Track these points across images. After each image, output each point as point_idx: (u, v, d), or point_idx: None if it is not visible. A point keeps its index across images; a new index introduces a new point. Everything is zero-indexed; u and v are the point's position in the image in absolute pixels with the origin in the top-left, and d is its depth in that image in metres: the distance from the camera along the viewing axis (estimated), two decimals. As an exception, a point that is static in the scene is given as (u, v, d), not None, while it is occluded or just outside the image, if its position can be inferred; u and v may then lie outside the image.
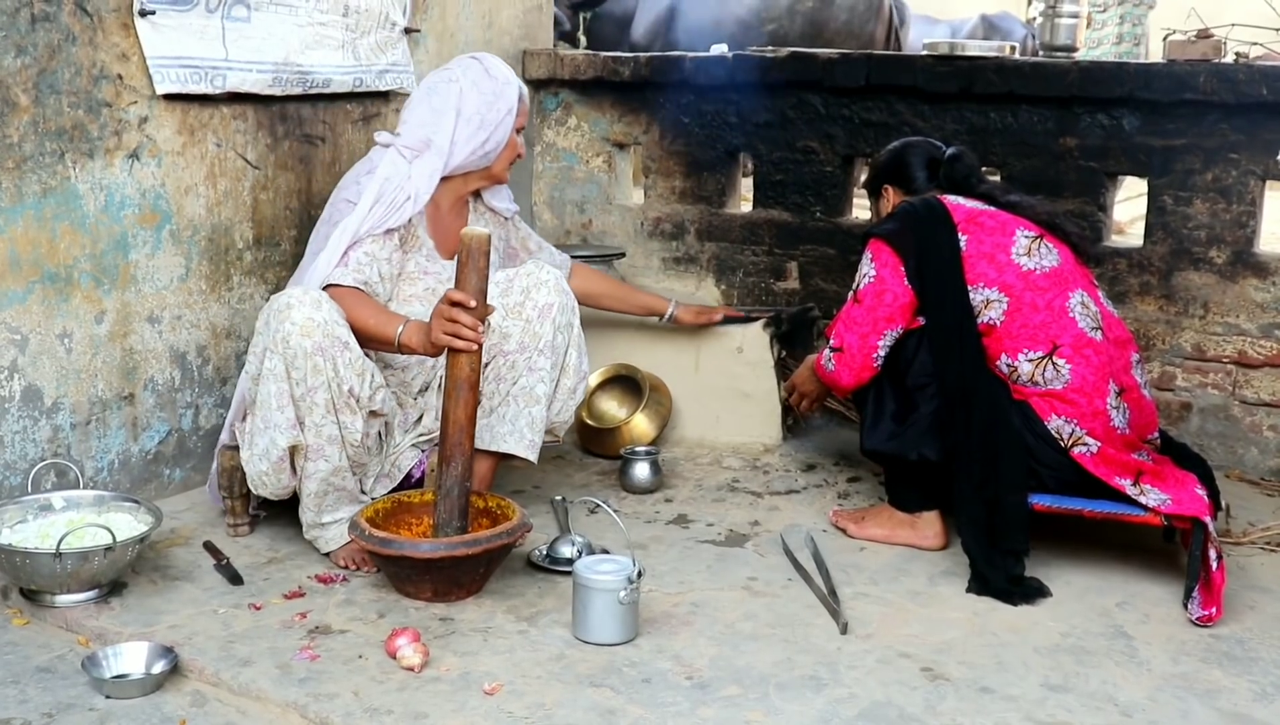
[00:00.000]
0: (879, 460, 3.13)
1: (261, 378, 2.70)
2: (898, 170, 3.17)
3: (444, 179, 3.03)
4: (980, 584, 2.77)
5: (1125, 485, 2.79)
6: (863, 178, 3.76)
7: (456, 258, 2.63)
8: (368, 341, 2.79)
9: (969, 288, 2.88)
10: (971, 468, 2.82)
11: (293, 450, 2.72)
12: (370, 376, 2.75)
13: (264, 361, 2.69)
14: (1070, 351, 2.84)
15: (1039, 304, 2.86)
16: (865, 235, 3.05)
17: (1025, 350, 2.86)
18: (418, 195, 2.95)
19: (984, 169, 3.35)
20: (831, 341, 3.03)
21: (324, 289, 2.79)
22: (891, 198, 3.15)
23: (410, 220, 2.97)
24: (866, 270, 2.98)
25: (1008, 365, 2.88)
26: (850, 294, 3.01)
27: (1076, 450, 2.81)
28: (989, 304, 2.88)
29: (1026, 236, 2.92)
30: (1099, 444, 2.82)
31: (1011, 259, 2.89)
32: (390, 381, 2.99)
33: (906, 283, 2.92)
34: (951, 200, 2.98)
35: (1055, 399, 2.83)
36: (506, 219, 3.33)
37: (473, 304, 2.58)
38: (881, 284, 2.94)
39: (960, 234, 2.91)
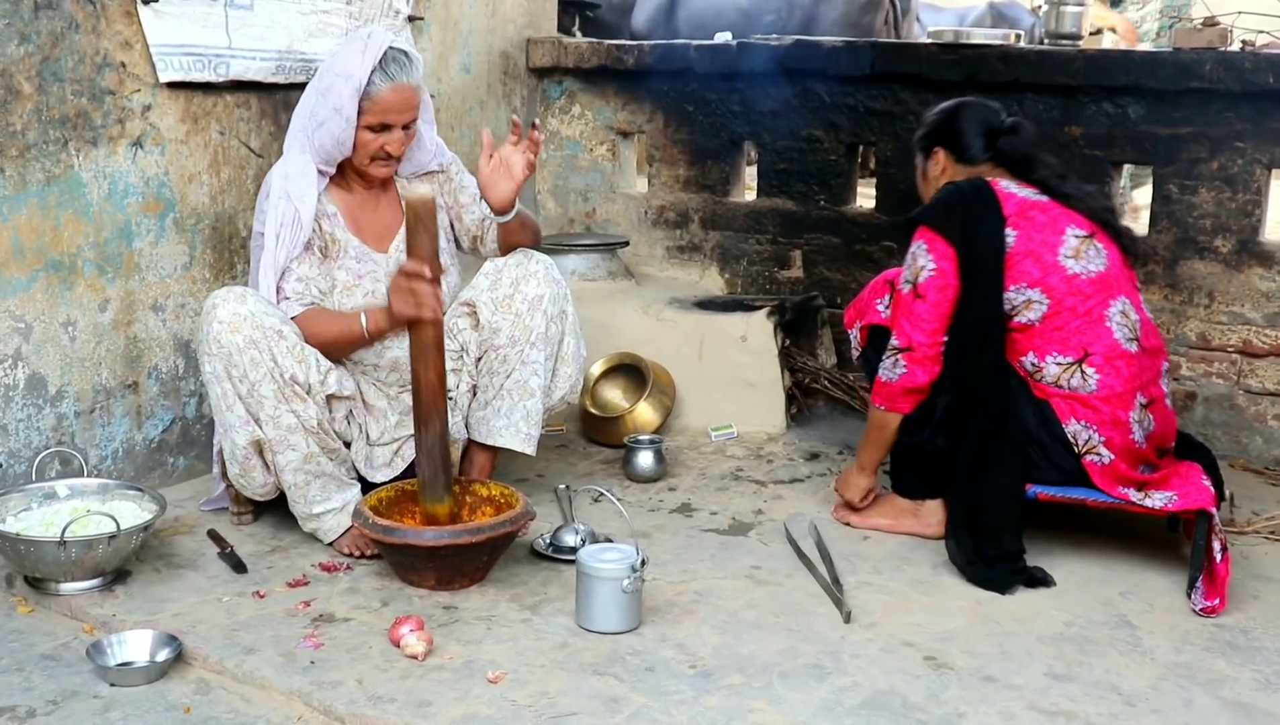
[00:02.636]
0: (893, 448, 3.08)
1: (206, 384, 2.69)
2: (952, 134, 2.99)
3: (340, 171, 2.88)
4: (967, 575, 2.77)
5: (1129, 493, 2.77)
6: (871, 165, 3.73)
7: (404, 225, 2.59)
8: (341, 350, 2.78)
9: (1011, 287, 2.79)
10: (965, 470, 2.81)
11: (260, 448, 2.72)
12: (314, 361, 2.71)
13: (204, 366, 2.68)
14: (1101, 361, 2.78)
15: (1079, 310, 2.78)
16: (911, 220, 2.93)
17: (1055, 353, 2.80)
18: (303, 198, 2.78)
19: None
20: (896, 342, 2.89)
21: None
22: (943, 162, 3.00)
23: (321, 226, 2.83)
24: (924, 263, 2.85)
25: (1032, 363, 2.82)
26: (906, 288, 2.88)
27: (1088, 458, 2.77)
28: (1029, 305, 2.80)
29: (1077, 236, 2.82)
30: (1112, 457, 2.77)
31: (1058, 260, 2.79)
32: (364, 381, 2.95)
33: (959, 277, 2.82)
34: (1003, 187, 2.86)
35: (1078, 403, 2.78)
36: (438, 171, 3.07)
37: (427, 273, 2.55)
38: (943, 278, 2.82)
39: (1009, 228, 2.80)
